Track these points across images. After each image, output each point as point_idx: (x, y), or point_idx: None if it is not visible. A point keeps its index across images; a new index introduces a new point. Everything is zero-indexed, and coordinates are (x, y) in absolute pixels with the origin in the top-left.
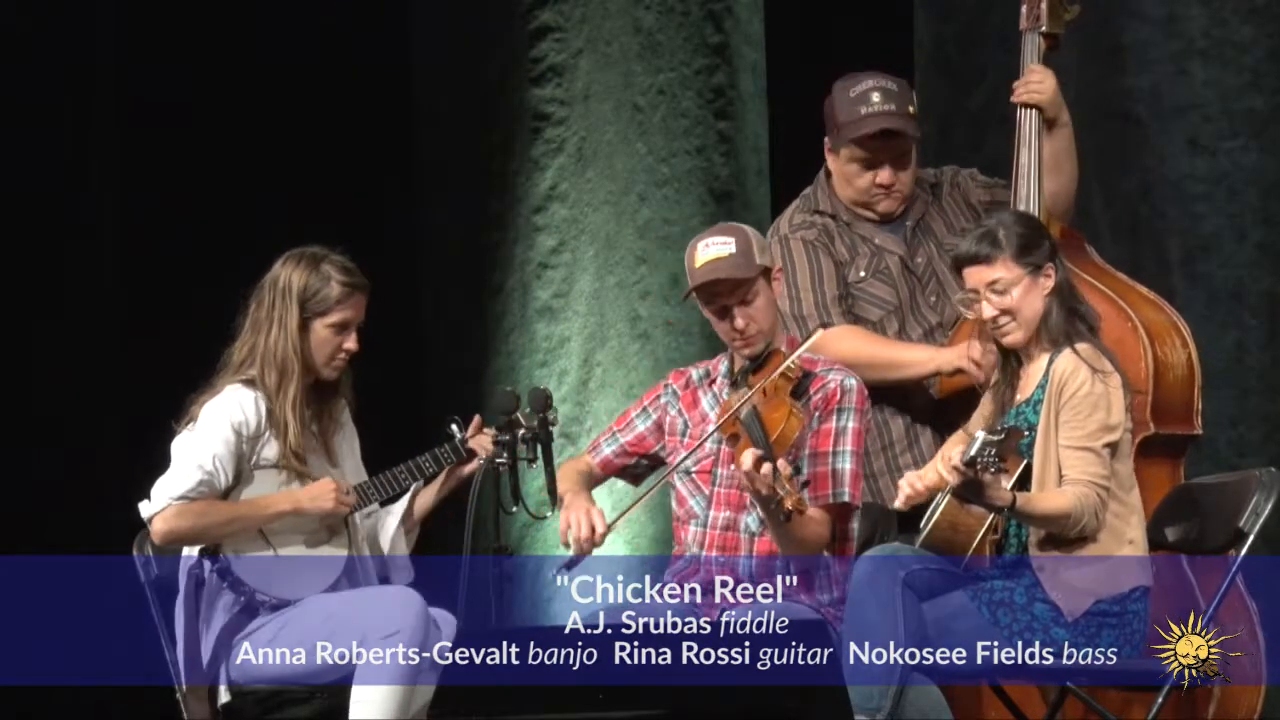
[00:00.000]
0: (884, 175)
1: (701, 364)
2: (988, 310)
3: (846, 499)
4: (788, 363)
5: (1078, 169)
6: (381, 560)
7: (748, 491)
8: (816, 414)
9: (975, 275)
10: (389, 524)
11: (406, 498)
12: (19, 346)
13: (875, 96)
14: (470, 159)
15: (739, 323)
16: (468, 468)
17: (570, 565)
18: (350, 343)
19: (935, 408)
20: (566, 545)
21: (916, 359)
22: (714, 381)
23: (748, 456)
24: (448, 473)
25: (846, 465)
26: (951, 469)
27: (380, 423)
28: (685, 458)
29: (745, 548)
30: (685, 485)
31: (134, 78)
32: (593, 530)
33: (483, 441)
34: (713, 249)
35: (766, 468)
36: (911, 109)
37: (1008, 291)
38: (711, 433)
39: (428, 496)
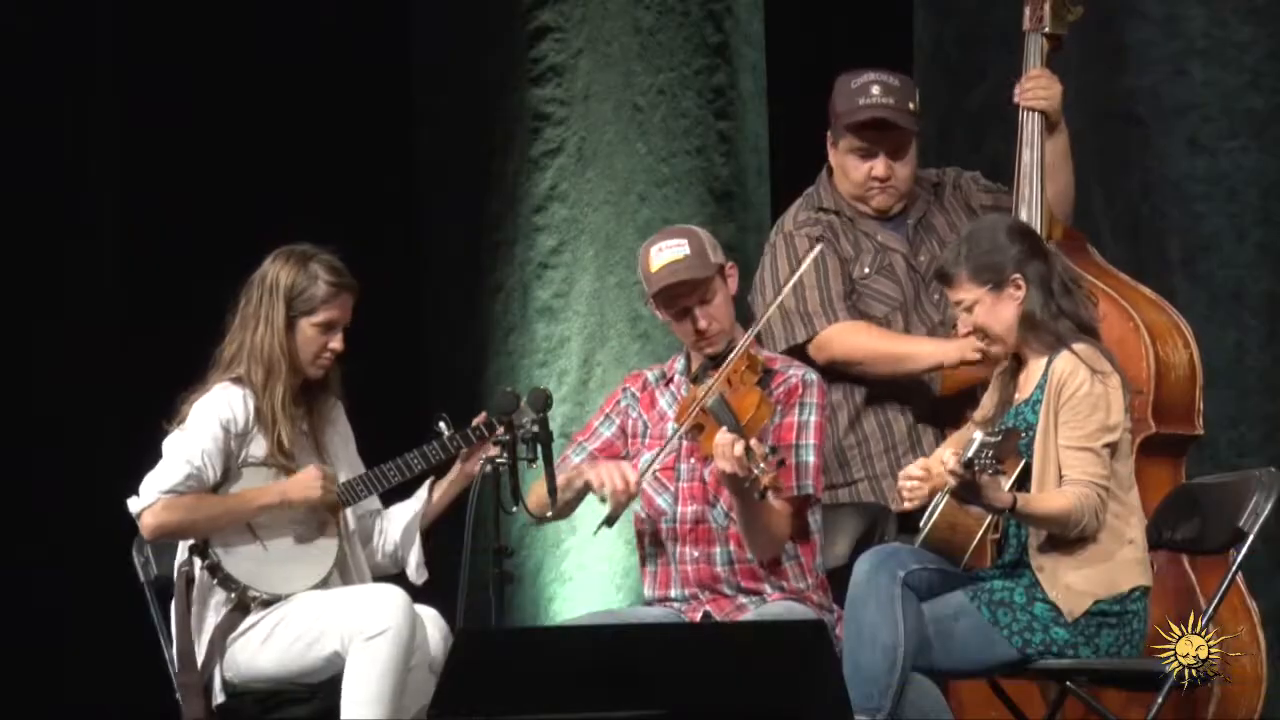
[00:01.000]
0: (879, 167)
1: (656, 366)
2: (962, 328)
3: (810, 491)
4: (746, 338)
5: (1073, 171)
6: (394, 557)
7: (720, 476)
8: (779, 408)
9: (949, 294)
10: (400, 521)
11: (423, 495)
12: (19, 346)
13: (875, 89)
14: (470, 159)
15: (701, 323)
16: (476, 463)
17: (610, 521)
18: (336, 343)
19: (938, 409)
20: (603, 500)
21: (925, 351)
22: (670, 381)
23: (724, 436)
24: (463, 467)
25: (809, 458)
26: (949, 471)
27: (379, 422)
28: (666, 444)
29: (720, 539)
30: (651, 485)
31: (134, 78)
32: (626, 480)
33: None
34: (667, 252)
35: (740, 447)
36: (912, 105)
37: (972, 310)
38: (680, 430)
39: (448, 491)
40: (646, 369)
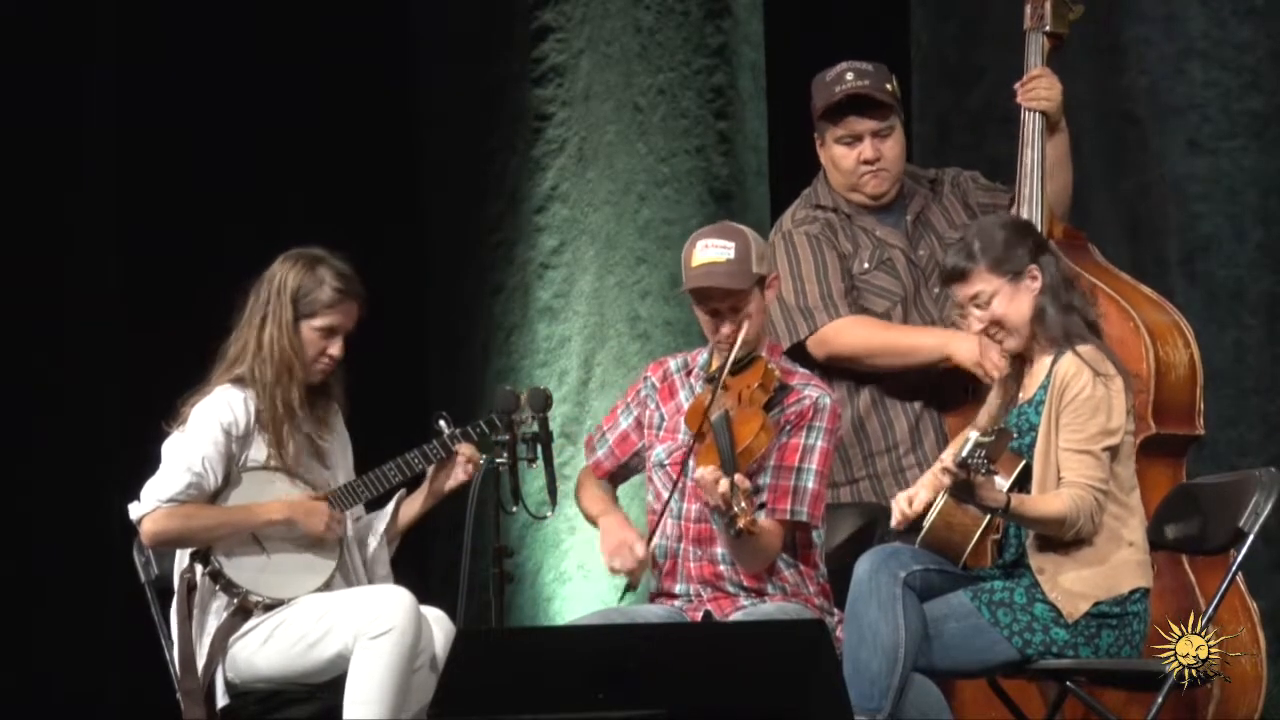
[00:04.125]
0: (866, 150)
1: (680, 354)
2: (975, 325)
3: (804, 518)
4: (739, 351)
5: (1072, 171)
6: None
7: (705, 498)
8: (788, 427)
9: (959, 291)
10: (373, 535)
11: (390, 509)
12: (19, 346)
13: (849, 75)
14: (472, 159)
15: (725, 329)
16: (449, 483)
17: (631, 588)
18: (334, 349)
19: (940, 409)
20: (615, 573)
21: (928, 344)
22: (691, 372)
23: (709, 471)
24: (430, 486)
25: (809, 484)
26: (943, 470)
27: (382, 423)
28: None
29: (721, 539)
30: (660, 478)
31: (134, 77)
32: (635, 559)
33: (467, 452)
34: (711, 251)
35: (725, 483)
36: (889, 86)
37: (989, 303)
38: (690, 442)
39: (412, 507)
40: (670, 357)
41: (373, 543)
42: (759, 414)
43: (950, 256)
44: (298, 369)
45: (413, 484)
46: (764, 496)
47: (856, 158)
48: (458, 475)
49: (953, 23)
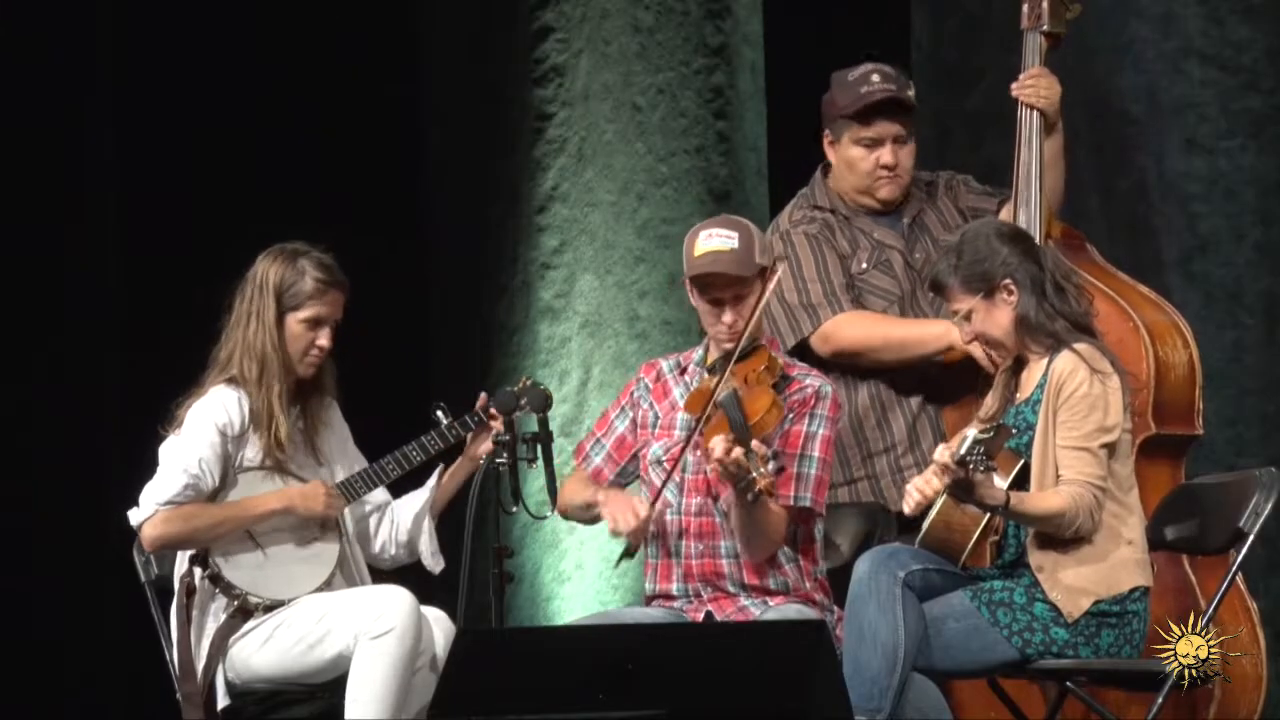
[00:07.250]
0: (886, 155)
1: (672, 355)
2: (966, 335)
3: (808, 504)
4: (754, 321)
5: (1067, 171)
6: (409, 546)
7: (717, 472)
8: (790, 416)
9: (947, 304)
10: (410, 511)
11: (432, 483)
12: (19, 346)
13: (875, 77)
14: (472, 159)
15: (728, 318)
16: (482, 446)
17: (630, 554)
18: (323, 339)
19: (937, 410)
20: (616, 535)
21: (932, 333)
22: (685, 371)
23: (719, 441)
24: (468, 451)
25: (812, 471)
26: (941, 468)
27: (385, 423)
28: (689, 437)
29: (724, 533)
30: (657, 475)
31: (134, 77)
32: (637, 516)
33: (498, 423)
34: (715, 240)
35: (737, 450)
36: (910, 93)
37: (969, 319)
38: (696, 425)
39: (452, 482)
40: (661, 358)
41: (408, 523)
42: (768, 391)
43: (933, 268)
44: (285, 364)
45: (413, 478)
46: (780, 461)
47: (875, 161)
48: (489, 443)
49: (953, 23)
